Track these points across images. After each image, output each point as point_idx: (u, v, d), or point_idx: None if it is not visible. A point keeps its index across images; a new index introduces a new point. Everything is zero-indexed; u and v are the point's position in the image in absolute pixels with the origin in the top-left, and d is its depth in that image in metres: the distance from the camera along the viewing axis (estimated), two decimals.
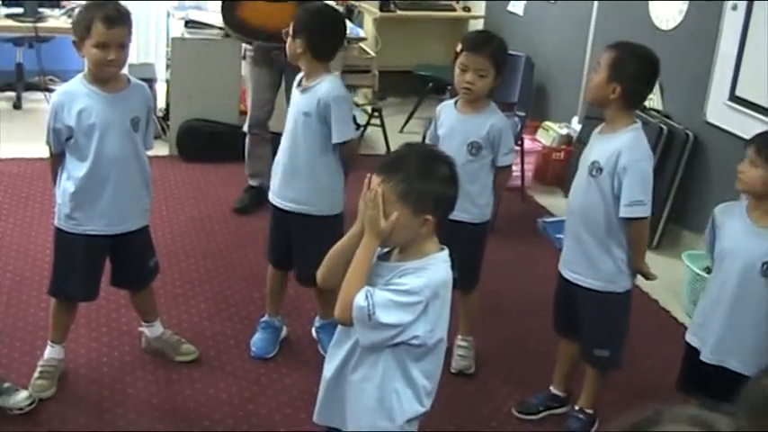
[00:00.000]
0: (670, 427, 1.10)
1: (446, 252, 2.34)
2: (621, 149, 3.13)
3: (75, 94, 3.30)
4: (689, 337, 3.18)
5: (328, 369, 2.47)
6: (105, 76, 3.30)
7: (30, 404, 3.35)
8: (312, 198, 3.64)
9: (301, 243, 3.69)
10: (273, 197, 3.74)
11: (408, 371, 2.32)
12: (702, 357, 3.07)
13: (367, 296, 2.22)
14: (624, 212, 3.14)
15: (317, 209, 3.64)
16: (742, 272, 2.96)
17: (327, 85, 3.57)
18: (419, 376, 2.34)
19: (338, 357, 2.42)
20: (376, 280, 2.30)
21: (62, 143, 3.32)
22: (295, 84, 3.70)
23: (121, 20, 3.23)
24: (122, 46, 3.24)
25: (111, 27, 3.19)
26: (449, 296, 2.34)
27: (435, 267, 2.29)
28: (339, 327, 2.46)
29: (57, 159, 3.39)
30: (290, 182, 3.66)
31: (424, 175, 2.28)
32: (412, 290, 2.23)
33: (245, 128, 5.35)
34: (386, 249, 2.38)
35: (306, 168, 3.62)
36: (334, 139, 3.57)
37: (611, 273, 3.25)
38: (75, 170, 3.34)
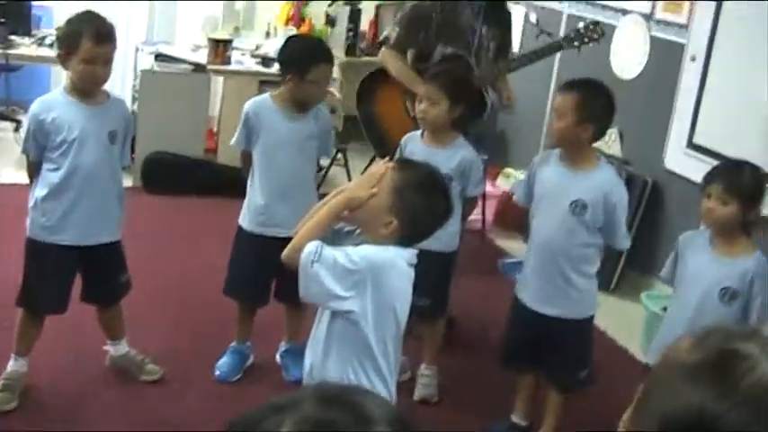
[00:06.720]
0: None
1: (404, 250, 2.40)
2: (611, 187, 3.28)
3: (53, 104, 3.33)
4: (649, 357, 3.27)
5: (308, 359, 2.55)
6: (89, 91, 3.34)
7: None
8: None
9: None
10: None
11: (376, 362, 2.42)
12: None
13: (318, 247, 2.30)
14: (623, 244, 3.35)
15: None
16: (701, 298, 3.05)
17: None
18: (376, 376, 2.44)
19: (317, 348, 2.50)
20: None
21: (41, 151, 3.34)
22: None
23: (110, 37, 3.28)
24: (108, 62, 3.29)
25: (99, 44, 3.23)
26: (395, 287, 2.39)
27: (386, 249, 2.37)
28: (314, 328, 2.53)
29: (35, 168, 3.41)
30: None
31: (425, 195, 2.38)
32: (353, 256, 2.31)
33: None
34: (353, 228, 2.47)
35: None
36: None
37: (585, 300, 3.40)
38: (49, 179, 3.36)
